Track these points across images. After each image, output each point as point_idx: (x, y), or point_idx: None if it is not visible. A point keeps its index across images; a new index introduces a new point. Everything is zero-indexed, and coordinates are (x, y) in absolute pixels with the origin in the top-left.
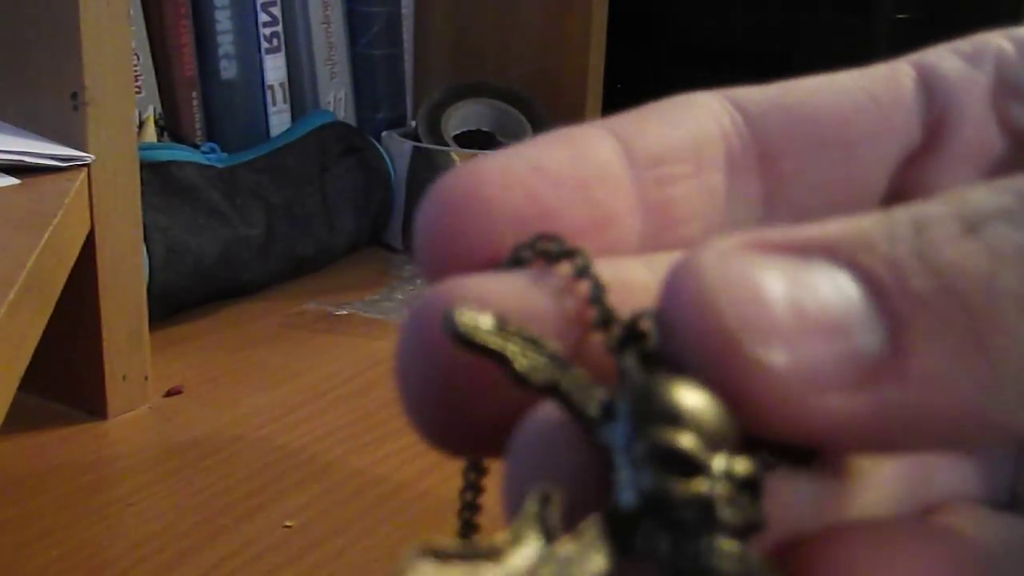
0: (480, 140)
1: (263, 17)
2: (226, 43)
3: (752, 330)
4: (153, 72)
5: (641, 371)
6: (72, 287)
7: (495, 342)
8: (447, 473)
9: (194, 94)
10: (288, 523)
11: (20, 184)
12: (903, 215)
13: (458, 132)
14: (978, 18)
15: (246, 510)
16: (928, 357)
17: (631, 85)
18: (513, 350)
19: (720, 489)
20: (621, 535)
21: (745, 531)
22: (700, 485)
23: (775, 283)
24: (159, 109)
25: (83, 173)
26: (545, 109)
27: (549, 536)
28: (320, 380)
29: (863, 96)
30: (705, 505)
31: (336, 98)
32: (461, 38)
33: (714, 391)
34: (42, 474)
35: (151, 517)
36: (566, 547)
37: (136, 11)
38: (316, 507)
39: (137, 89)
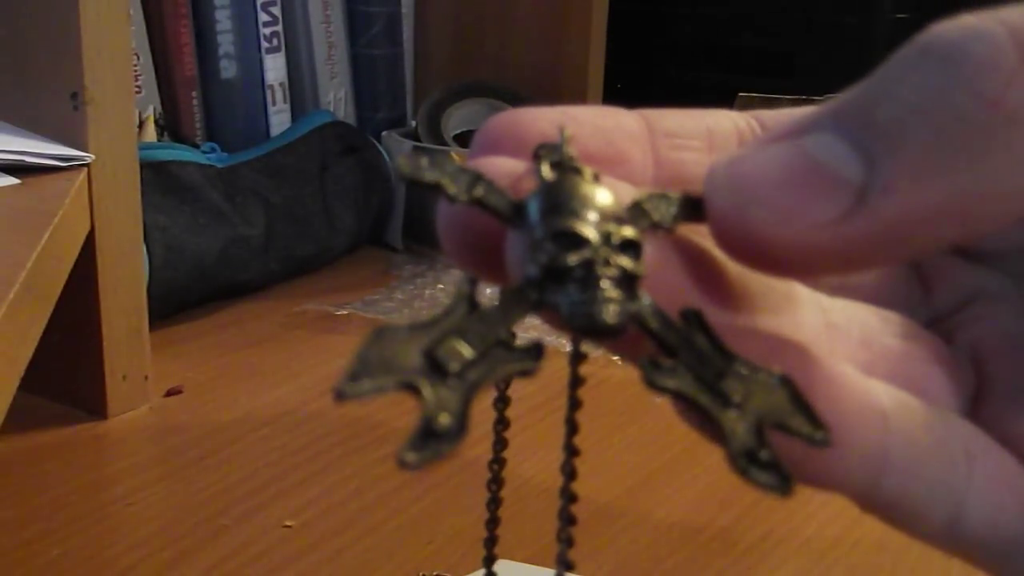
0: None
1: (263, 17)
2: (226, 43)
3: (751, 201)
4: (153, 72)
5: (550, 174)
6: (72, 287)
7: (431, 175)
8: (447, 472)
9: (194, 94)
10: (288, 523)
11: (20, 184)
12: (877, 70)
13: (458, 132)
14: None
15: (246, 510)
16: (899, 168)
17: (631, 85)
18: (445, 180)
19: (602, 254)
20: (532, 297)
21: (627, 280)
22: (584, 253)
23: (770, 162)
24: (159, 109)
25: (83, 173)
26: None
27: (475, 307)
28: (320, 380)
29: None
30: (587, 265)
31: (336, 98)
32: (461, 38)
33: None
34: (42, 474)
35: (151, 517)
36: (489, 310)
37: (136, 11)
38: (316, 507)
39: (137, 89)
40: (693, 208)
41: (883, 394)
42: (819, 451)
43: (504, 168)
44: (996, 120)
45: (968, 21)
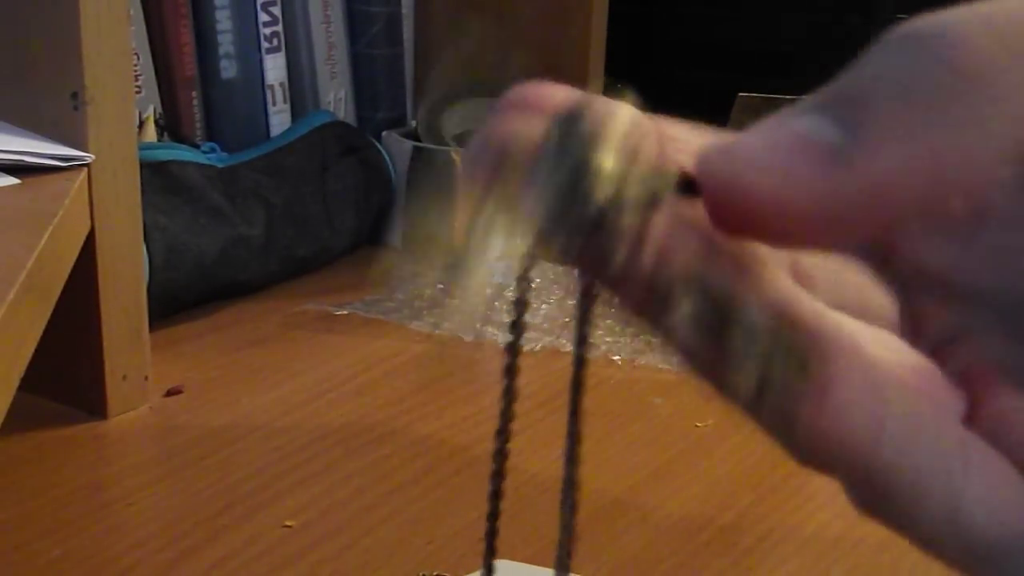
0: None
1: (263, 17)
2: (226, 43)
3: (742, 167)
4: (153, 72)
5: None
6: (72, 287)
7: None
8: (447, 472)
9: (194, 94)
10: (288, 523)
11: (20, 184)
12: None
13: (458, 132)
14: None
15: (246, 510)
16: (875, 129)
17: (631, 85)
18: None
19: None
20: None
21: (653, 199)
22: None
23: (759, 138)
24: (159, 109)
25: (83, 173)
26: None
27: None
28: (320, 380)
29: None
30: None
31: (336, 98)
32: (461, 38)
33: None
34: (42, 474)
35: (151, 517)
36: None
37: (136, 11)
38: (316, 507)
39: (137, 89)
40: (686, 186)
41: (880, 357)
42: (820, 403)
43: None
44: (961, 83)
45: (940, 14)
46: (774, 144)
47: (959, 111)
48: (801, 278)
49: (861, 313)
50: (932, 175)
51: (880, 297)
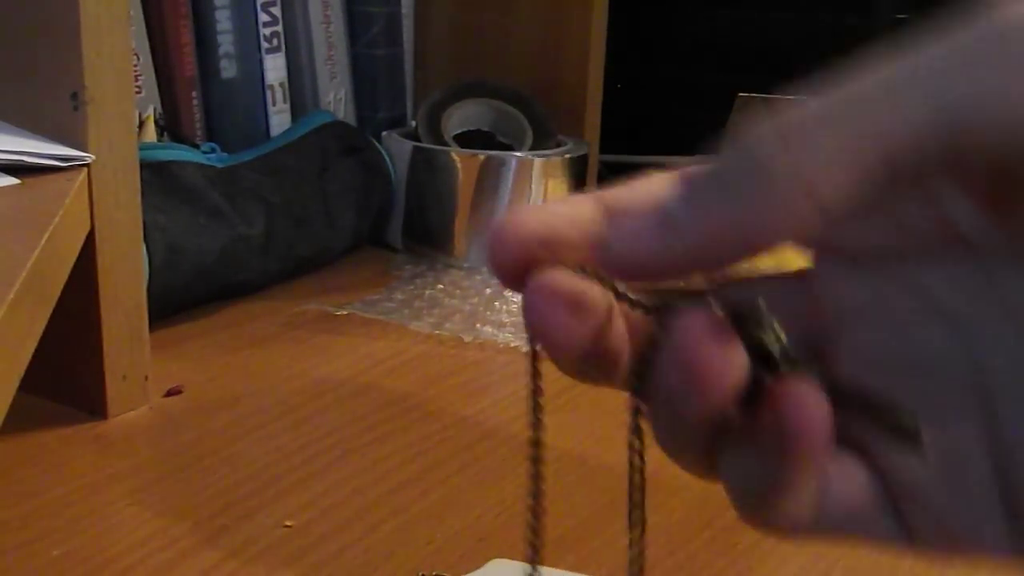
0: (480, 140)
1: (263, 17)
2: (226, 43)
3: (611, 236)
4: (153, 72)
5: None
6: (72, 287)
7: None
8: (447, 471)
9: (194, 94)
10: (288, 523)
11: (20, 184)
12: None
13: (458, 132)
14: None
15: (246, 510)
16: (697, 212)
17: (631, 85)
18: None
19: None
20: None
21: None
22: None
23: (632, 207)
24: (159, 109)
25: (83, 173)
26: (545, 109)
27: None
28: (320, 380)
29: None
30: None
31: (336, 98)
32: (461, 38)
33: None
34: (42, 474)
35: (151, 517)
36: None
37: (136, 11)
38: (316, 507)
39: (137, 89)
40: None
41: None
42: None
43: (569, 286)
44: (758, 170)
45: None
46: (639, 213)
47: (756, 195)
48: None
49: None
50: (741, 239)
51: None
